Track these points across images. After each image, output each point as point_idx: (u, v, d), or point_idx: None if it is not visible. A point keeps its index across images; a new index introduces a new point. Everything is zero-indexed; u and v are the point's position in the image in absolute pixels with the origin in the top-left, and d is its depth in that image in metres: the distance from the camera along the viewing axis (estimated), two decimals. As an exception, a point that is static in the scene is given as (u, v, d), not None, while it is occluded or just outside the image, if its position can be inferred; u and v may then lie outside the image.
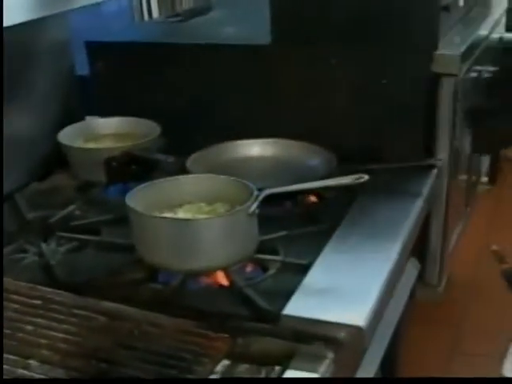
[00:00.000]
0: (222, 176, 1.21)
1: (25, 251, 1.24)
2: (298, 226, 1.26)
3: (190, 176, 1.23)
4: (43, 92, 1.51)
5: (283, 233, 1.22)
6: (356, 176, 1.13)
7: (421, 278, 1.61)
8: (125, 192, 1.40)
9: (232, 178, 1.19)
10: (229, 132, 1.49)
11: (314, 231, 1.25)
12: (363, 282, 1.08)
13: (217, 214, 1.16)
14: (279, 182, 1.36)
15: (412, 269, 1.55)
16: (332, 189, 1.25)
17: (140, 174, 1.40)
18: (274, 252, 1.18)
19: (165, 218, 1.11)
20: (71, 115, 1.56)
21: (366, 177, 1.13)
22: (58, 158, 1.46)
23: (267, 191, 1.13)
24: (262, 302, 1.04)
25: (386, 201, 1.33)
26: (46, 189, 1.45)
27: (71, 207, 1.34)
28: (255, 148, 1.50)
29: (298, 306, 1.02)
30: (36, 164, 1.49)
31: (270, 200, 1.16)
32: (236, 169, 1.44)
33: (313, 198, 1.38)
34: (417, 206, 1.33)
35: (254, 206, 1.11)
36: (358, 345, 1.01)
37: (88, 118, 1.59)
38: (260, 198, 1.12)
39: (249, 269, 1.17)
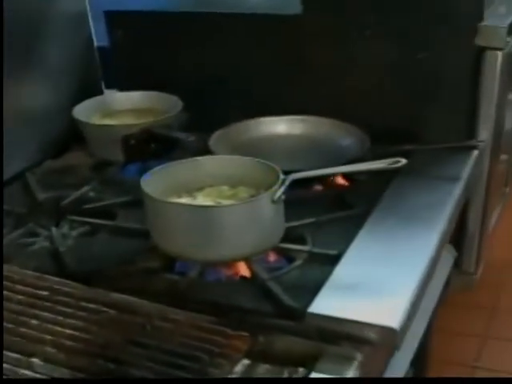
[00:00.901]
0: (245, 157, 1.12)
1: (35, 235, 1.16)
2: (327, 211, 1.17)
3: (212, 157, 1.14)
4: (59, 64, 1.43)
5: (311, 219, 1.13)
6: (392, 160, 1.03)
7: (456, 265, 1.51)
8: (143, 172, 1.33)
9: (257, 160, 1.10)
10: (255, 108, 1.40)
11: (344, 217, 1.16)
12: (398, 276, 0.98)
13: (239, 199, 1.08)
14: (307, 164, 1.27)
15: (448, 256, 1.45)
16: (365, 172, 1.15)
17: (160, 152, 1.32)
18: (301, 240, 1.09)
19: (181, 204, 1.02)
20: (89, 89, 1.48)
21: (404, 161, 1.03)
22: (74, 135, 1.38)
23: (294, 175, 1.04)
24: (285, 298, 0.95)
25: (424, 185, 1.23)
26: (60, 167, 1.37)
27: (85, 188, 1.26)
28: (282, 126, 1.41)
29: (325, 303, 0.93)
30: (51, 141, 1.41)
31: (297, 183, 1.08)
32: (261, 148, 1.35)
33: (344, 181, 1.29)
34: (456, 191, 1.22)
35: (280, 191, 1.01)
36: (389, 346, 0.93)
37: (107, 92, 1.51)
38: (286, 182, 1.02)
39: (273, 259, 1.08)
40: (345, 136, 1.36)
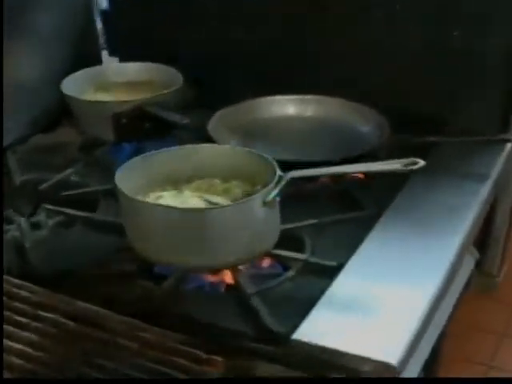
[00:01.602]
0: (240, 148, 0.99)
1: (11, 222, 1.05)
2: (331, 210, 1.03)
3: (202, 146, 1.00)
4: (51, 28, 1.29)
5: (312, 220, 1.00)
6: (408, 160, 0.88)
7: (478, 266, 1.37)
8: (136, 152, 1.22)
9: (252, 152, 0.96)
10: (264, 86, 1.25)
11: (351, 219, 1.02)
12: (406, 297, 0.85)
13: (231, 196, 0.95)
14: (317, 153, 1.14)
15: (469, 258, 1.30)
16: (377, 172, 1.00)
17: (154, 132, 1.20)
18: (299, 245, 0.96)
19: (158, 205, 0.89)
20: (86, 57, 1.35)
21: (422, 163, 0.87)
22: (66, 108, 1.26)
23: (292, 173, 0.90)
24: (269, 319, 0.83)
25: (446, 183, 1.08)
26: (46, 145, 1.25)
27: (68, 171, 1.14)
28: (292, 106, 1.26)
29: (314, 328, 0.81)
30: (40, 115, 1.29)
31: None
32: (266, 132, 1.21)
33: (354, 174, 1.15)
34: (484, 191, 1.08)
35: (274, 192, 0.88)
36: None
37: (105, 62, 1.38)
38: (283, 182, 0.89)
39: (266, 264, 0.95)
40: (362, 122, 1.21)
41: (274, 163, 0.92)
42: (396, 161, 0.88)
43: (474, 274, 1.33)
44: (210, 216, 0.86)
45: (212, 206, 0.90)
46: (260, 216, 0.88)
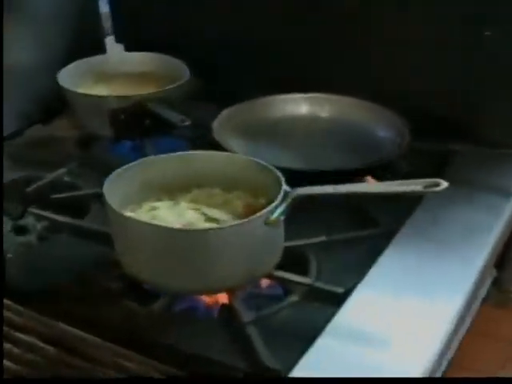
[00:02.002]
0: (243, 157, 0.91)
1: (-2, 224, 0.98)
2: (341, 226, 0.95)
3: (202, 153, 0.91)
4: (50, 11, 1.21)
5: (320, 238, 0.91)
6: (430, 181, 0.79)
7: (495, 284, 1.28)
8: (134, 150, 1.14)
9: (257, 162, 0.87)
10: (275, 82, 1.17)
11: (363, 237, 0.94)
12: (424, 326, 0.77)
13: (231, 209, 0.86)
14: (330, 158, 1.06)
15: (486, 276, 1.21)
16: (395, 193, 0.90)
17: (154, 130, 1.12)
18: (303, 266, 0.88)
19: (147, 223, 0.80)
20: (88, 44, 1.26)
21: (445, 184, 0.78)
22: (63, 99, 1.17)
23: (300, 190, 0.81)
24: (265, 353, 0.74)
25: (468, 198, 0.98)
26: (40, 139, 1.17)
27: (61, 170, 1.05)
28: (305, 105, 1.17)
29: (315, 364, 0.73)
30: (34, 106, 1.21)
31: (307, 181, 0.85)
32: (276, 134, 1.13)
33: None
34: (508, 207, 0.99)
35: (279, 210, 0.80)
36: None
37: (109, 50, 1.30)
38: (288, 199, 0.80)
39: (265, 285, 0.87)
40: (381, 125, 1.12)
41: (281, 177, 0.83)
42: (416, 181, 0.79)
43: (490, 291, 1.25)
44: (206, 237, 0.78)
45: (208, 227, 0.81)
46: (262, 237, 0.80)
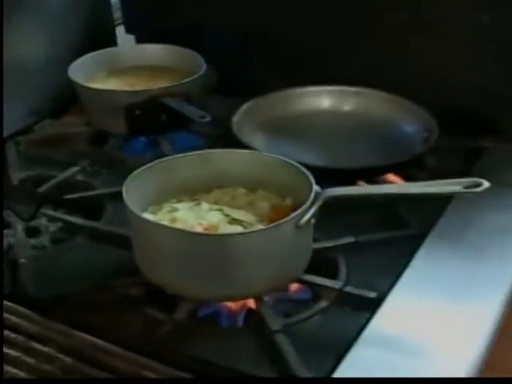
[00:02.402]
0: (268, 155, 0.85)
1: (8, 226, 0.93)
2: (369, 226, 0.90)
3: (224, 151, 0.86)
4: (59, 5, 1.16)
5: (348, 239, 0.87)
6: (469, 181, 0.74)
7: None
8: (150, 148, 1.09)
9: (283, 160, 0.83)
10: (297, 75, 1.12)
11: (393, 238, 0.89)
12: (463, 332, 0.73)
13: (256, 210, 0.82)
14: (355, 155, 1.02)
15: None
16: (430, 194, 0.85)
17: (171, 125, 1.07)
18: (332, 270, 0.83)
19: (169, 227, 0.75)
20: (99, 35, 1.22)
21: (486, 184, 0.74)
22: (73, 94, 1.13)
23: (330, 191, 0.77)
24: (297, 363, 0.70)
25: (503, 198, 0.93)
26: (51, 136, 1.11)
27: (73, 169, 1.01)
28: (329, 99, 1.12)
29: (352, 373, 0.68)
30: (44, 101, 1.16)
31: (334, 179, 0.82)
32: (297, 129, 1.08)
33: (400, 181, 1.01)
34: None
35: (310, 213, 0.75)
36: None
37: (120, 42, 1.25)
38: (319, 202, 0.76)
39: (293, 290, 0.83)
40: (408, 120, 1.06)
41: (310, 176, 0.78)
42: (454, 181, 0.75)
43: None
44: (233, 242, 0.74)
45: (237, 231, 0.77)
46: (291, 240, 0.75)
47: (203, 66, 1.12)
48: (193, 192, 0.85)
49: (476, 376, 0.71)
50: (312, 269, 0.81)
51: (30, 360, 0.72)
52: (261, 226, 0.78)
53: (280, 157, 0.84)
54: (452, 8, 1.06)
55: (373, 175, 0.99)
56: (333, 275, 0.83)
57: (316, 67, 1.15)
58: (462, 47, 1.07)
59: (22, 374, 0.71)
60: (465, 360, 0.71)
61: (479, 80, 1.06)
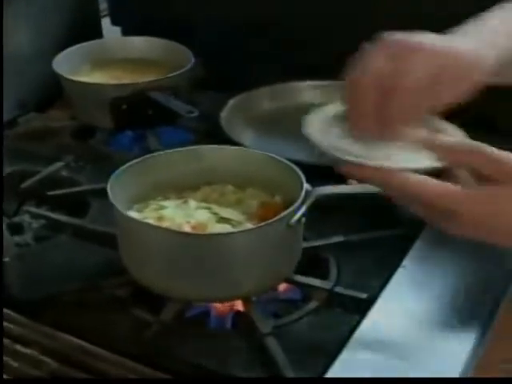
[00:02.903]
0: (257, 152, 0.84)
1: (-6, 222, 0.91)
2: (362, 226, 0.88)
3: (213, 147, 0.85)
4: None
5: (339, 238, 0.85)
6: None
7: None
8: (136, 142, 1.07)
9: (272, 157, 0.81)
10: (289, 67, 1.10)
11: (384, 237, 0.87)
12: (456, 334, 0.72)
13: (244, 208, 0.80)
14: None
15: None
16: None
17: (158, 120, 1.05)
18: (322, 270, 0.82)
19: (157, 227, 0.73)
20: (84, 26, 1.19)
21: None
22: (58, 87, 1.10)
23: (321, 190, 0.76)
24: (287, 367, 0.68)
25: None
26: (35, 130, 1.10)
27: (57, 164, 0.99)
28: (318, 94, 1.10)
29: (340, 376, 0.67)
30: (28, 94, 1.14)
31: (324, 177, 0.78)
32: (289, 125, 1.04)
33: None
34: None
35: (300, 212, 0.74)
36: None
37: (106, 34, 1.23)
38: (309, 200, 0.75)
39: (282, 290, 0.81)
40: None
41: (301, 174, 0.77)
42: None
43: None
44: (222, 241, 0.72)
45: (222, 231, 0.75)
46: (281, 240, 0.74)
47: (191, 60, 1.10)
48: (180, 189, 0.83)
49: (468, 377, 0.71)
50: (301, 269, 0.80)
51: (14, 363, 0.70)
52: (249, 225, 0.77)
53: (269, 153, 0.83)
54: (452, 6, 1.05)
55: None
56: (323, 275, 0.81)
57: (306, 62, 1.13)
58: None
59: (5, 377, 0.69)
60: (457, 361, 0.70)
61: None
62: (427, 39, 0.66)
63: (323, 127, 0.72)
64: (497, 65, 0.69)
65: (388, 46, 0.66)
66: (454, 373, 0.69)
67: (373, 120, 0.65)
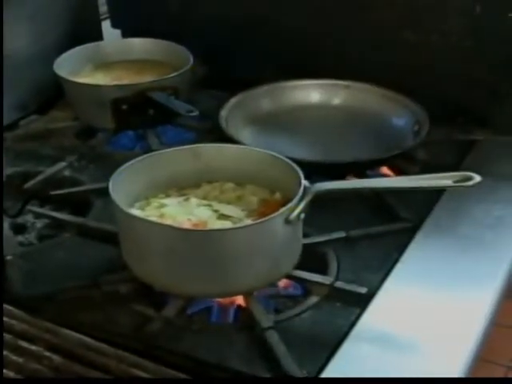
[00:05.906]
0: (257, 150, 0.85)
1: (-4, 222, 0.92)
2: (361, 222, 0.89)
3: (213, 145, 0.86)
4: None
5: (339, 234, 0.86)
6: (460, 175, 0.73)
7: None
8: (137, 142, 1.08)
9: (272, 155, 0.82)
10: (288, 68, 1.11)
11: (384, 232, 0.88)
12: (455, 329, 0.73)
13: (245, 204, 0.81)
14: (345, 149, 1.01)
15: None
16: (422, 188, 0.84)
17: (158, 120, 1.06)
18: (322, 265, 0.83)
19: (158, 223, 0.75)
20: (85, 29, 1.20)
21: (478, 178, 0.73)
22: (59, 88, 1.11)
23: (320, 186, 0.76)
24: (288, 361, 0.69)
25: (494, 192, 0.93)
26: (37, 131, 1.10)
27: (60, 164, 1.00)
28: (318, 93, 1.11)
29: (341, 370, 0.68)
30: (30, 96, 1.15)
31: (325, 174, 0.82)
32: (287, 123, 1.07)
33: (391, 174, 1.01)
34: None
35: (299, 208, 0.74)
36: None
37: (106, 36, 1.23)
38: (308, 197, 0.75)
39: (283, 285, 0.82)
40: (398, 113, 1.06)
41: (299, 171, 0.78)
42: (445, 175, 0.74)
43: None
44: (223, 237, 0.73)
45: (226, 227, 0.76)
46: (281, 236, 0.74)
47: (190, 60, 1.11)
48: (181, 187, 0.84)
49: (471, 370, 0.71)
50: (302, 264, 0.81)
51: (17, 359, 0.71)
52: (250, 221, 0.78)
53: (269, 151, 0.83)
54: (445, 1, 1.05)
55: (363, 169, 0.98)
56: (323, 270, 0.82)
57: (305, 61, 1.14)
58: (453, 40, 1.06)
59: (11, 374, 0.70)
60: (458, 354, 0.70)
61: (470, 73, 1.06)
62: None
63: None
64: None
65: None
66: (455, 366, 0.69)
67: None
